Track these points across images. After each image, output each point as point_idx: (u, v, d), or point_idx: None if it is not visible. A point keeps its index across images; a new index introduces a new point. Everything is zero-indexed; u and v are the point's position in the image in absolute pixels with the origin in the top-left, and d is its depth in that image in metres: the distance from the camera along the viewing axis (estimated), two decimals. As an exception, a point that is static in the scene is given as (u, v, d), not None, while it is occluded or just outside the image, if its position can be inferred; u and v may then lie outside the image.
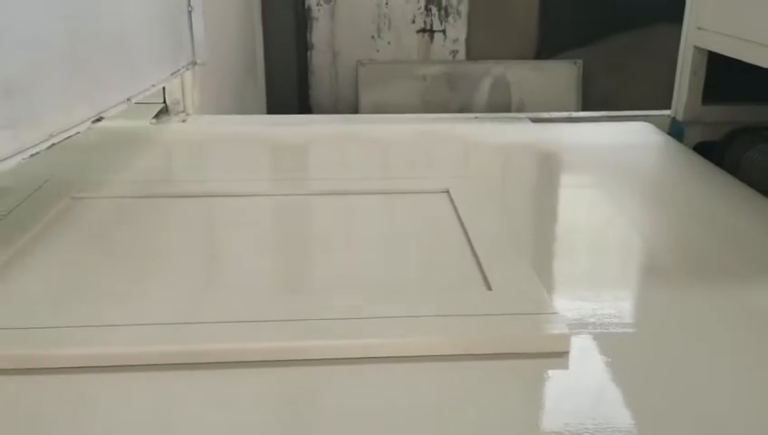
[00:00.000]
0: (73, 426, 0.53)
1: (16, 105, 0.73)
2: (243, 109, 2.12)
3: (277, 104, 2.57)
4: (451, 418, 0.54)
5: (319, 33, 2.65)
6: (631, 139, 1.32)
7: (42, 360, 0.58)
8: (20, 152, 0.73)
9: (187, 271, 0.77)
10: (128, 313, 0.64)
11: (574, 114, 1.47)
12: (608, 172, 1.14)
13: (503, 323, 0.64)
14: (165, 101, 1.53)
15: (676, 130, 1.41)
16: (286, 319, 0.63)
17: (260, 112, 2.38)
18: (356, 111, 2.63)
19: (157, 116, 1.48)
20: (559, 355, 0.62)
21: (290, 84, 2.66)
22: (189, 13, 1.46)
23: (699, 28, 1.33)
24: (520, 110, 2.55)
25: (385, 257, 0.82)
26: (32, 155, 0.75)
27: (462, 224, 0.87)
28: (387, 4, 2.59)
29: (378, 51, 2.65)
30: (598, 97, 2.52)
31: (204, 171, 1.18)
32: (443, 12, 2.58)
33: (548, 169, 1.19)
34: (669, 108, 1.44)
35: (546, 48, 2.57)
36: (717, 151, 1.32)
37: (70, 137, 0.85)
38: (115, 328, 0.61)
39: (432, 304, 0.67)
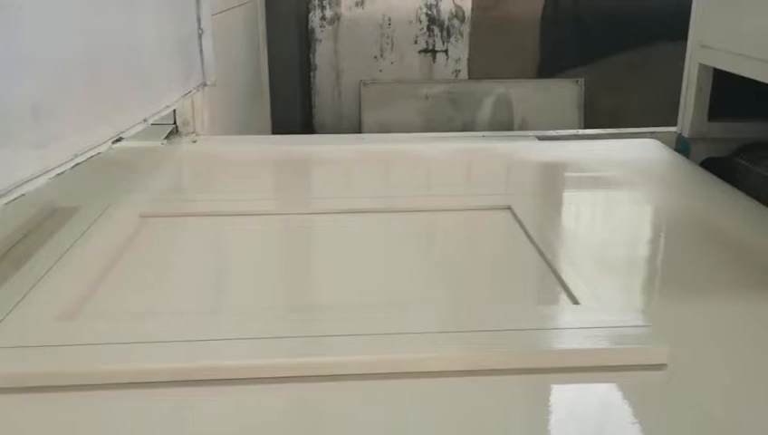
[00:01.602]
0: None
1: (43, 126, 0.74)
2: (248, 129, 2.14)
3: (281, 124, 2.58)
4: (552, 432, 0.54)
5: (322, 54, 2.67)
6: (641, 155, 1.34)
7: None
8: (46, 172, 0.74)
9: (241, 287, 0.78)
10: (188, 328, 0.64)
11: (580, 132, 1.49)
12: (635, 187, 1.15)
13: (596, 336, 0.64)
14: (175, 122, 1.54)
15: (682, 147, 1.42)
16: (373, 333, 0.63)
17: (265, 132, 2.40)
18: (359, 131, 2.66)
19: (168, 137, 1.49)
20: (657, 368, 0.62)
21: (293, 104, 2.68)
22: (200, 35, 1.48)
23: (704, 46, 1.35)
24: (522, 128, 2.57)
25: (461, 274, 0.82)
26: (57, 174, 0.76)
27: (532, 240, 0.87)
28: (389, 24, 2.62)
29: (381, 71, 2.67)
30: (600, 115, 2.55)
31: (245, 191, 1.15)
32: (445, 32, 2.61)
33: (581, 184, 1.20)
34: (672, 125, 1.46)
35: (548, 67, 2.60)
36: (725, 167, 1.34)
37: (91, 157, 0.86)
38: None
39: (521, 318, 0.67)
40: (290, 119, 2.65)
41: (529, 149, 1.36)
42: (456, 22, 2.60)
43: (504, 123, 2.59)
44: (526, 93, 2.60)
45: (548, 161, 1.30)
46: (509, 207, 0.96)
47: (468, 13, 2.58)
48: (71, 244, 0.80)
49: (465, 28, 2.59)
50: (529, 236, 0.88)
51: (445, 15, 2.60)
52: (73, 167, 0.81)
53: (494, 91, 2.61)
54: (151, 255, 0.84)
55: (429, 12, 2.60)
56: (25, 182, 0.70)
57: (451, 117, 2.65)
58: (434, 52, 2.63)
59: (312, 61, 2.68)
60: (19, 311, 0.64)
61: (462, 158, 1.32)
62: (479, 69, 2.62)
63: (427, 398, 0.57)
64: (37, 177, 0.72)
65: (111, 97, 0.94)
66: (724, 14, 1.28)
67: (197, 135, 1.55)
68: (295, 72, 2.67)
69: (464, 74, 2.64)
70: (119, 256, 0.81)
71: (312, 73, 2.69)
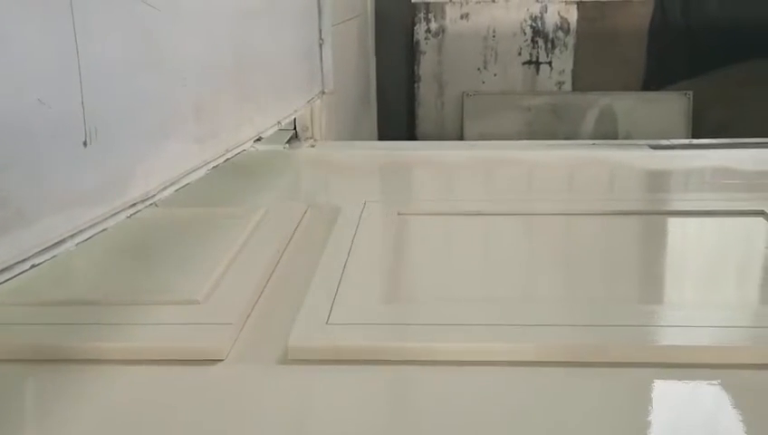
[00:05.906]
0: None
1: (203, 124, 0.83)
2: (357, 137, 2.22)
3: (385, 133, 2.66)
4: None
5: (426, 66, 2.74)
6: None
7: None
8: (205, 165, 0.83)
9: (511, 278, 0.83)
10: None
11: (695, 141, 1.48)
12: None
13: None
14: (295, 128, 1.64)
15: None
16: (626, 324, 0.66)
17: (371, 141, 2.49)
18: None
19: (289, 141, 1.59)
20: None
21: (398, 114, 2.76)
22: (320, 45, 1.57)
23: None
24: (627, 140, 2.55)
25: (717, 279, 0.84)
26: (213, 167, 0.85)
27: None
28: (494, 36, 2.66)
29: (483, 82, 2.71)
30: (709, 128, 2.49)
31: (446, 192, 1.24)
32: (549, 44, 2.63)
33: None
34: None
35: (654, 79, 2.57)
36: None
37: (238, 153, 0.95)
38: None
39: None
40: (394, 128, 2.72)
41: (651, 158, 1.33)
42: (560, 33, 2.61)
43: (607, 135, 2.57)
44: (632, 106, 2.58)
45: (683, 169, 1.28)
46: (762, 212, 0.94)
47: (574, 24, 2.59)
48: (351, 236, 0.87)
49: (570, 40, 2.60)
50: None
51: (549, 27, 2.61)
52: (225, 161, 0.89)
53: (598, 103, 2.60)
54: (422, 247, 0.92)
55: (534, 24, 2.63)
56: (189, 173, 0.79)
57: (553, 129, 2.66)
58: (537, 63, 2.65)
59: (416, 72, 2.75)
60: (342, 295, 0.71)
61: (582, 164, 1.31)
62: (583, 81, 2.62)
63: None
64: (198, 168, 0.81)
65: (254, 100, 1.03)
66: None
67: (315, 140, 1.64)
68: (400, 83, 2.74)
69: (567, 86, 2.64)
70: (399, 248, 0.88)
71: (416, 85, 2.76)
